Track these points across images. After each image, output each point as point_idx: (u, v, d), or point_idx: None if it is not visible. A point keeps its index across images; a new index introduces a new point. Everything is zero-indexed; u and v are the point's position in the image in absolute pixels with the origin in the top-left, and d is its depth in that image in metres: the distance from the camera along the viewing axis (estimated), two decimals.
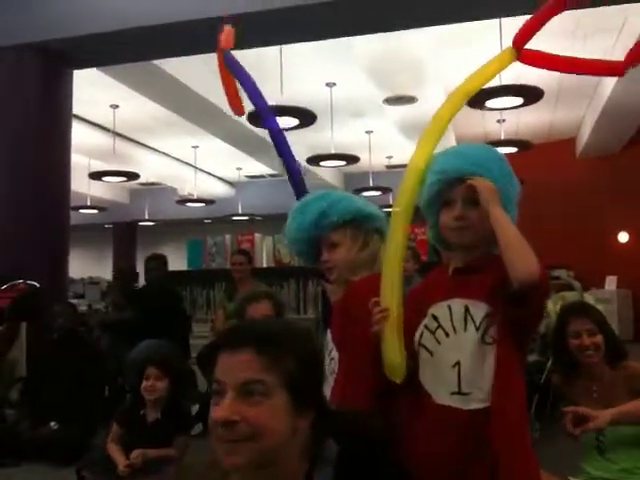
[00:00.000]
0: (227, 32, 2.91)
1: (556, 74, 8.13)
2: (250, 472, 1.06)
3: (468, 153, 1.69)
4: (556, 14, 1.77)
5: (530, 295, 1.52)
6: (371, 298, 1.74)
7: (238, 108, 2.97)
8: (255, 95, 2.74)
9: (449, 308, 1.66)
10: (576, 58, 1.87)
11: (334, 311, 1.97)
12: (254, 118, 6.74)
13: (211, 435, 1.06)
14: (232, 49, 2.91)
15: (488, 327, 1.60)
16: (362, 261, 1.93)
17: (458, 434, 1.59)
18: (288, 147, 2.78)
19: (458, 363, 1.61)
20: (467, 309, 1.63)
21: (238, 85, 2.84)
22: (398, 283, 1.66)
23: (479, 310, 1.61)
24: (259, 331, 1.15)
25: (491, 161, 1.68)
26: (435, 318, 1.68)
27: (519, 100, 6.88)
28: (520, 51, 1.77)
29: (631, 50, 1.82)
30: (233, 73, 2.82)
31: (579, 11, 5.62)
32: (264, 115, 2.79)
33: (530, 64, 1.81)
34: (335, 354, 1.86)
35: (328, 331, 1.95)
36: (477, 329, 1.61)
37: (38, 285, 5.40)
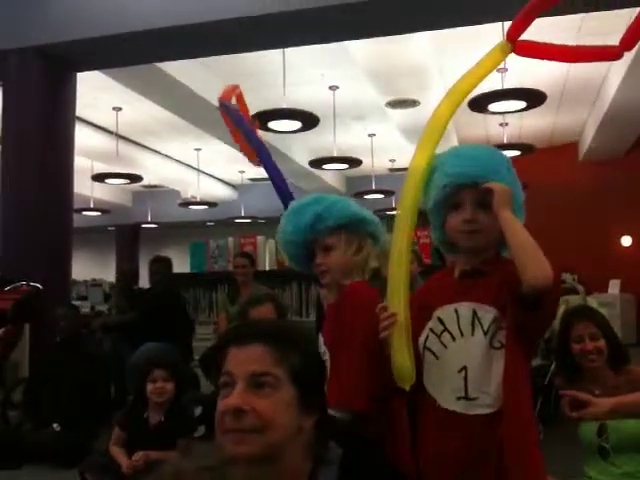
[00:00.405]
0: (229, 89, 3.16)
1: (559, 77, 8.14)
2: (256, 467, 1.06)
3: (479, 156, 1.68)
4: (549, 6, 1.76)
5: (543, 299, 1.50)
6: (365, 303, 1.75)
7: (253, 157, 3.24)
8: (252, 136, 3.03)
9: (456, 311, 1.64)
10: (571, 46, 1.84)
11: (327, 314, 1.97)
12: (258, 121, 6.76)
13: (218, 427, 1.07)
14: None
15: (496, 331, 1.59)
16: (355, 265, 1.92)
17: (463, 438, 1.58)
18: (278, 172, 3.00)
19: (465, 368, 1.60)
20: (475, 313, 1.61)
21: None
22: (405, 287, 1.64)
23: (487, 314, 1.60)
24: (268, 327, 1.19)
25: (501, 165, 1.68)
26: (441, 321, 1.66)
27: (522, 104, 6.88)
28: (515, 43, 1.75)
29: (626, 33, 1.78)
30: (231, 118, 3.06)
31: (582, 14, 5.64)
32: (262, 156, 3.07)
33: (525, 55, 1.79)
34: (327, 357, 1.86)
35: (320, 335, 1.95)
36: (485, 333, 1.59)
37: (41, 287, 5.41)
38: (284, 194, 2.85)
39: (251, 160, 3.36)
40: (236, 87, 3.30)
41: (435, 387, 1.65)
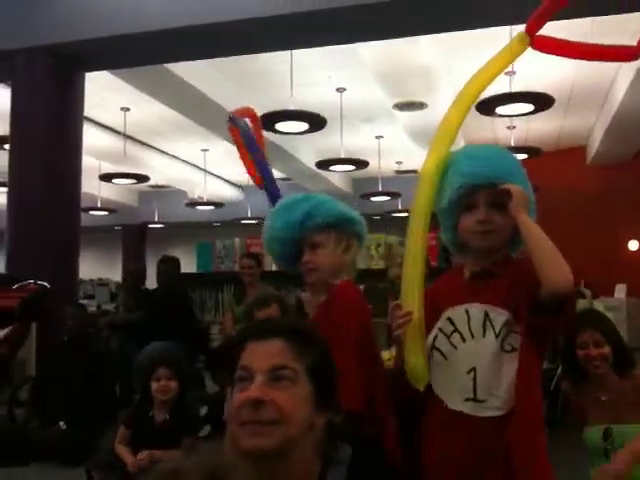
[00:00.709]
0: (243, 109, 3.36)
1: (567, 81, 8.12)
2: (268, 462, 1.06)
3: (493, 156, 1.68)
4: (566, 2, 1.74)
5: (564, 304, 1.50)
6: (354, 303, 1.79)
7: (258, 181, 3.42)
8: (255, 149, 3.17)
9: (467, 312, 1.64)
10: (589, 44, 1.83)
11: (316, 314, 1.95)
12: (264, 122, 6.77)
13: (233, 420, 1.07)
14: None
15: (508, 334, 1.58)
16: (344, 264, 1.93)
17: (470, 441, 1.57)
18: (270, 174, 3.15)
19: (474, 369, 1.59)
20: (487, 315, 1.61)
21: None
22: (419, 287, 1.64)
23: (499, 317, 1.59)
24: (287, 324, 1.20)
25: (514, 166, 1.68)
26: (451, 322, 1.65)
27: (529, 107, 6.87)
28: (533, 37, 1.74)
29: None
30: (239, 129, 3.23)
31: (592, 17, 5.62)
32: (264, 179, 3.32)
33: (543, 51, 1.77)
34: None
35: None
36: (497, 336, 1.59)
37: (48, 285, 5.43)
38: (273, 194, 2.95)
39: (257, 184, 3.51)
40: (249, 109, 3.43)
41: (443, 388, 1.64)
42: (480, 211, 1.62)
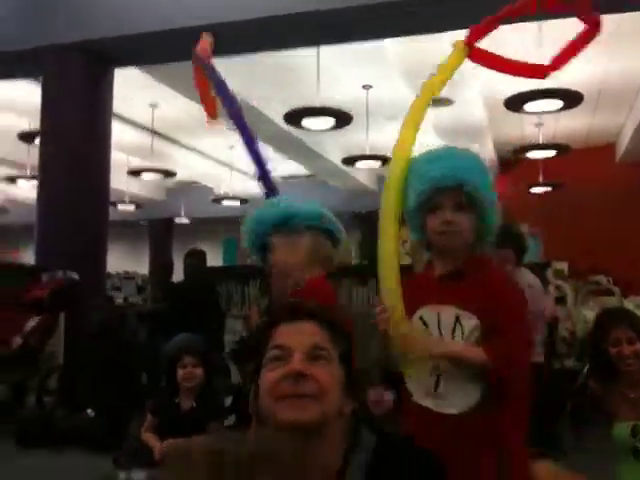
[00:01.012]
0: (204, 42, 3.09)
1: (596, 78, 8.02)
2: (304, 436, 1.08)
3: (454, 159, 1.74)
4: (520, 14, 1.86)
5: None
6: (324, 293, 1.92)
7: (212, 114, 3.23)
8: (228, 101, 2.95)
9: (438, 315, 1.69)
10: (511, 60, 1.96)
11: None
12: (290, 119, 6.80)
13: (271, 394, 1.09)
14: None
15: (476, 339, 1.63)
16: (320, 262, 2.12)
17: (436, 435, 1.58)
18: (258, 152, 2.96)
19: (438, 366, 1.64)
20: (458, 319, 1.66)
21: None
22: (397, 283, 1.69)
23: (470, 320, 1.64)
24: (319, 308, 1.22)
25: (477, 166, 1.73)
26: (423, 321, 1.71)
27: (558, 104, 6.80)
28: (472, 48, 1.83)
29: (557, 55, 1.89)
30: (212, 81, 3.02)
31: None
32: (235, 119, 2.97)
33: (476, 62, 1.89)
34: None
35: None
36: (464, 338, 1.64)
37: (77, 277, 5.53)
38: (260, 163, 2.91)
39: (210, 117, 3.30)
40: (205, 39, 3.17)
41: (411, 382, 1.71)
42: (445, 213, 1.67)
